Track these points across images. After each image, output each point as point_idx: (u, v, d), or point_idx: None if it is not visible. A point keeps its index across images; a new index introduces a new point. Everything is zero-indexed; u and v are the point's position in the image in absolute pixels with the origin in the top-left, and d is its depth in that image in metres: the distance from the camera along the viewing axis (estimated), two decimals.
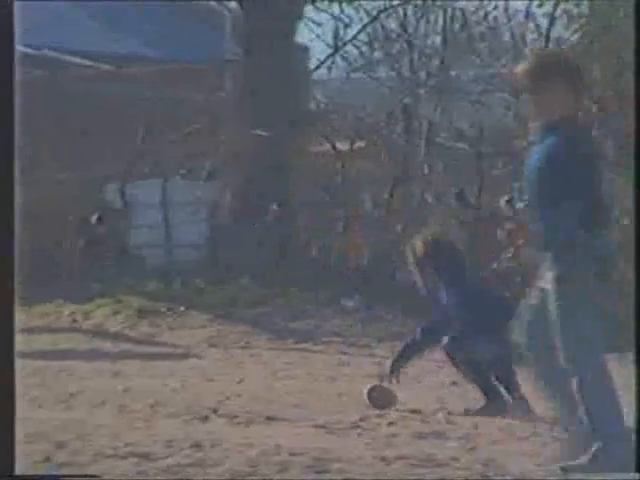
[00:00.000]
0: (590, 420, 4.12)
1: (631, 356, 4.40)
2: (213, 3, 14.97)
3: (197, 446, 4.56)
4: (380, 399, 5.95)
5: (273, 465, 4.27)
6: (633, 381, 4.18)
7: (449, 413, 5.75)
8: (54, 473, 3.79)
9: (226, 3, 13.87)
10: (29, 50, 12.70)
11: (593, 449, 4.10)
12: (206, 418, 5.43)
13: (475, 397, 5.98)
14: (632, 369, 4.26)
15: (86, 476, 3.77)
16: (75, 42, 14.04)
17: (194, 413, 5.54)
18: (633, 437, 4.12)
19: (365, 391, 6.00)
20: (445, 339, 6.02)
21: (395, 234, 11.42)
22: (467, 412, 5.84)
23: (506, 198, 11.40)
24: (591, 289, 4.22)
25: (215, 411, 5.64)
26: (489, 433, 5.22)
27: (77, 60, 13.51)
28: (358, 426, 5.32)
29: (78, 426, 5.04)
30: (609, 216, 4.40)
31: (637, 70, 4.40)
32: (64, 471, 3.95)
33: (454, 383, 6.56)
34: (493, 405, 5.91)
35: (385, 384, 6.01)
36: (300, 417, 5.55)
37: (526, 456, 4.64)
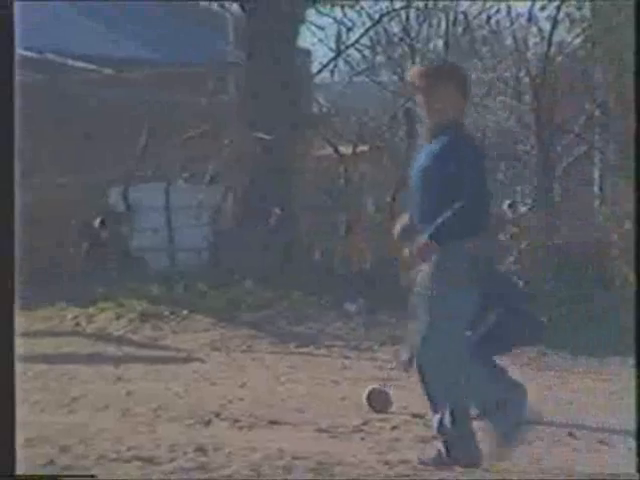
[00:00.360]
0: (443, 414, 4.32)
1: (631, 360, 4.40)
2: (215, 6, 14.97)
3: (200, 450, 4.56)
4: (378, 402, 5.94)
5: (276, 469, 4.27)
6: (633, 384, 4.18)
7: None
8: (54, 474, 3.80)
9: (228, 6, 13.87)
10: (30, 53, 12.71)
11: (442, 442, 4.29)
12: (209, 422, 5.43)
13: None
14: (632, 371, 4.26)
15: (86, 476, 3.78)
16: (77, 46, 14.05)
17: (197, 417, 5.54)
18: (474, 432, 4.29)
19: (364, 395, 5.98)
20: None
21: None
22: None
23: (509, 202, 11.41)
24: (463, 288, 4.30)
25: (218, 415, 5.63)
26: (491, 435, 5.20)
27: (78, 64, 13.52)
28: (361, 430, 5.32)
29: (81, 430, 5.04)
30: (487, 217, 4.46)
31: (637, 71, 4.42)
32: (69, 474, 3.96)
33: None
34: None
35: (382, 387, 5.98)
36: (303, 421, 5.55)
37: (530, 460, 4.63)
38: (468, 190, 4.29)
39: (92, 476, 3.78)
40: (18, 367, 7.13)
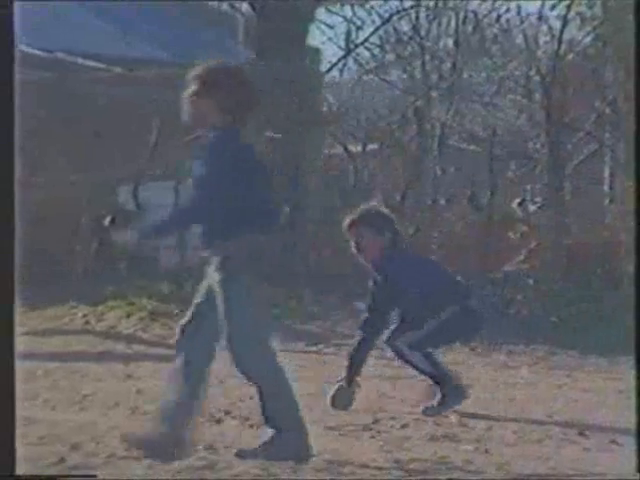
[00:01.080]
0: (264, 409, 4.41)
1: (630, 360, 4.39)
2: (225, 6, 14.98)
3: (210, 448, 4.56)
4: (341, 401, 5.94)
5: (285, 467, 4.27)
6: (633, 384, 4.18)
7: (462, 415, 5.74)
8: (57, 474, 3.81)
9: (238, 6, 13.88)
10: (40, 53, 12.73)
11: (267, 437, 4.33)
12: (219, 420, 5.43)
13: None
14: (632, 372, 4.25)
15: (86, 476, 3.78)
16: (87, 45, 14.06)
17: (207, 415, 5.54)
18: (303, 427, 4.37)
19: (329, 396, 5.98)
20: (385, 332, 5.89)
21: (407, 237, 11.39)
22: (427, 412, 5.75)
23: (518, 200, 11.39)
24: (253, 287, 4.37)
25: (228, 413, 5.64)
26: (503, 435, 5.21)
27: (89, 63, 13.53)
28: (370, 428, 5.31)
29: (91, 428, 5.05)
30: (266, 221, 4.46)
31: (637, 71, 4.43)
32: (78, 473, 3.96)
33: (468, 386, 6.53)
34: (454, 395, 5.85)
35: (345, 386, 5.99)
36: (312, 419, 5.54)
37: (540, 459, 4.62)
38: (195, 186, 4.34)
39: (93, 476, 3.79)
40: (29, 365, 7.16)
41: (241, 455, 4.36)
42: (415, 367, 5.94)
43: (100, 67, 13.50)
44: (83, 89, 12.73)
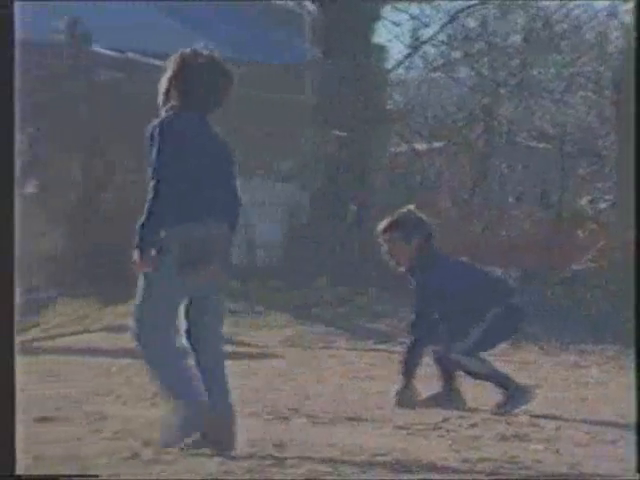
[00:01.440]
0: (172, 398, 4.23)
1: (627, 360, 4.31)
2: (292, 4, 15.03)
3: (279, 446, 4.58)
4: (406, 401, 5.93)
5: (355, 465, 4.27)
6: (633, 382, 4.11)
7: (532, 415, 5.69)
8: (55, 473, 3.86)
9: (305, 4, 13.92)
10: (112, 53, 12.88)
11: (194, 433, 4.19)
12: (287, 418, 5.45)
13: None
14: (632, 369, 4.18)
15: (86, 476, 3.83)
16: (157, 44, 14.19)
17: (275, 413, 5.57)
18: (230, 420, 4.23)
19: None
20: (434, 345, 5.90)
21: (475, 235, 11.33)
22: (499, 410, 5.72)
23: (589, 198, 11.26)
24: (173, 276, 4.27)
25: (296, 411, 5.65)
26: (573, 436, 5.15)
27: (159, 62, 13.66)
28: (440, 427, 5.29)
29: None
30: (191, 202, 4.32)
31: (638, 71, 4.34)
32: (150, 468, 4.00)
33: (538, 386, 6.48)
34: (520, 395, 5.79)
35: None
36: (381, 418, 5.54)
37: (613, 461, 4.56)
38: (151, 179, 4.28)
39: (94, 476, 3.83)
40: (104, 361, 7.25)
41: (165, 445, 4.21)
42: (476, 374, 5.91)
43: None
44: (152, 89, 12.85)
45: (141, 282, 4.41)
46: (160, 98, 4.46)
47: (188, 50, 4.53)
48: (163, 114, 4.40)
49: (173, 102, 4.40)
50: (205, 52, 4.53)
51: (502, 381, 5.86)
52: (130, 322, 4.47)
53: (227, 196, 4.53)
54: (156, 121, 4.33)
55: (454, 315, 5.86)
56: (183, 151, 4.29)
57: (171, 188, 4.26)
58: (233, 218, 4.55)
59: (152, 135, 4.28)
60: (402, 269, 6.07)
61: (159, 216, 4.28)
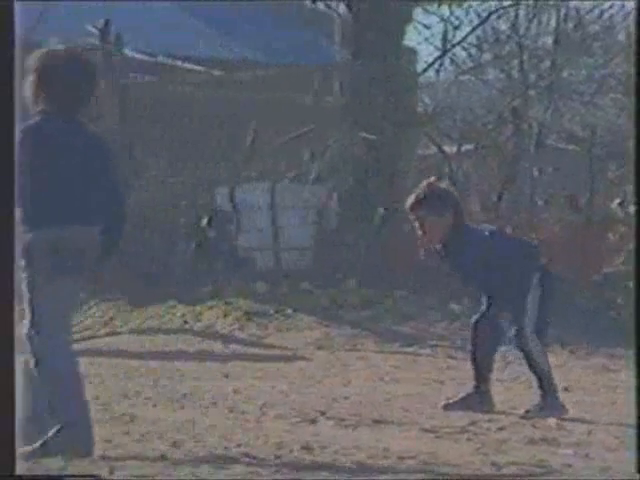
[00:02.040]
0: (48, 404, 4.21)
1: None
2: (322, 7, 15.03)
3: (306, 448, 4.58)
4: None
5: (382, 468, 4.27)
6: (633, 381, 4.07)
7: (561, 419, 5.65)
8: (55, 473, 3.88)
9: (334, 6, 13.91)
10: (141, 56, 12.95)
11: (48, 434, 4.14)
12: (314, 420, 5.45)
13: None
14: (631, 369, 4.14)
15: (87, 476, 3.84)
16: (186, 48, 14.26)
17: (302, 415, 5.57)
18: (89, 423, 4.21)
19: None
20: (508, 333, 5.62)
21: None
22: (526, 415, 5.62)
23: (619, 201, 11.17)
24: (59, 279, 4.23)
25: (323, 413, 5.65)
26: (603, 440, 5.12)
27: (188, 65, 13.73)
28: (467, 430, 5.27)
29: (191, 426, 5.12)
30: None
31: (638, 71, 4.30)
32: (179, 470, 4.02)
33: (566, 389, 6.45)
34: (555, 406, 5.68)
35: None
36: (408, 421, 5.53)
37: None
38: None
39: (94, 476, 3.84)
40: (133, 363, 7.27)
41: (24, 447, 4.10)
42: (535, 363, 5.67)
43: (199, 70, 13.68)
44: (181, 91, 12.92)
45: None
46: (30, 103, 4.37)
47: (44, 51, 4.42)
48: (33, 119, 4.34)
49: (42, 106, 4.34)
50: (61, 50, 4.45)
51: (547, 384, 5.74)
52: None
53: (101, 197, 4.38)
54: (23, 126, 4.25)
55: (503, 286, 5.60)
56: (49, 156, 4.26)
57: (37, 194, 4.22)
58: (110, 219, 4.43)
59: (20, 141, 4.18)
60: (436, 246, 5.74)
61: (27, 222, 4.23)
